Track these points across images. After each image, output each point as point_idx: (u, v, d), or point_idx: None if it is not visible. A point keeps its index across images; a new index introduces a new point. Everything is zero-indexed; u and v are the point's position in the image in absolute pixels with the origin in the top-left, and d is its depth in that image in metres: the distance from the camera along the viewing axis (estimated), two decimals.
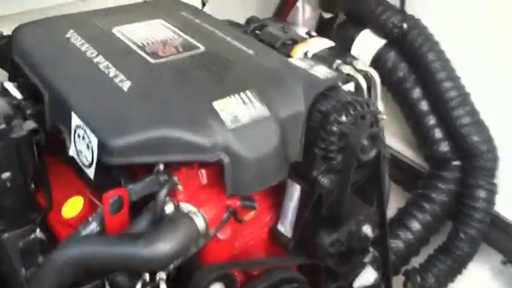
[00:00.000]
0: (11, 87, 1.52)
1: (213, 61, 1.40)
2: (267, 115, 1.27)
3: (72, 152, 1.34)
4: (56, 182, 1.52)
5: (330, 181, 1.36)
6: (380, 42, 2.07)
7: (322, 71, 1.39)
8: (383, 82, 1.59)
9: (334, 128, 1.31)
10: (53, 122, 1.39)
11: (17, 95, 1.49)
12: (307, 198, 1.40)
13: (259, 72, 1.37)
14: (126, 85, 1.30)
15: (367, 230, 1.46)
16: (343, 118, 1.31)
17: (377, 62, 2.07)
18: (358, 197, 1.48)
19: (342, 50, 1.65)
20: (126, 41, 1.48)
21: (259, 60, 1.43)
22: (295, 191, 1.42)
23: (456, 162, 1.99)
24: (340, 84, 1.41)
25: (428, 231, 2.01)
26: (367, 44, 2.10)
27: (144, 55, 1.42)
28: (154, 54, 1.42)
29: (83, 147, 1.28)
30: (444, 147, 2.00)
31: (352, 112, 1.32)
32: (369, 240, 1.48)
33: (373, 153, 1.36)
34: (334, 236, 1.42)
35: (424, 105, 2.02)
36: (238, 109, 1.26)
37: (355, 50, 2.12)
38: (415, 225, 2.00)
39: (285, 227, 1.47)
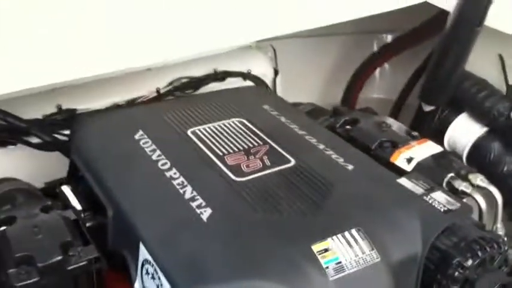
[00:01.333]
0: (69, 193, 1.33)
1: (308, 182, 1.17)
2: (378, 261, 1.04)
3: (138, 286, 1.13)
4: None
5: None
6: (481, 129, 1.82)
7: (441, 200, 1.14)
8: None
9: (457, 274, 1.07)
10: (116, 244, 1.19)
11: (76, 204, 1.30)
12: None
13: (365, 201, 1.14)
14: (205, 213, 1.09)
15: None
16: (469, 262, 1.07)
17: (476, 152, 1.82)
18: None
19: (452, 156, 1.41)
20: (203, 148, 1.27)
21: (362, 181, 1.20)
22: None
23: None
24: None
25: None
26: (464, 131, 1.85)
27: (225, 169, 1.21)
28: (236, 169, 1.21)
29: (152, 287, 1.07)
30: None
31: (479, 254, 1.07)
32: None
33: None
34: None
35: None
36: (342, 253, 1.02)
37: (449, 136, 1.87)
38: None
39: None
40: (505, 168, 1.79)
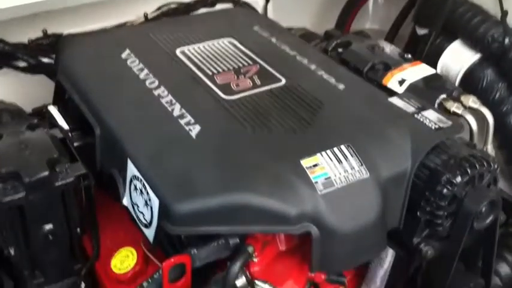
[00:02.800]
0: (56, 113, 1.31)
1: (298, 101, 1.16)
2: (366, 176, 1.03)
3: (126, 202, 1.13)
4: (105, 226, 1.30)
5: (433, 250, 1.12)
6: (474, 56, 1.80)
7: (432, 118, 1.13)
8: None
9: (445, 191, 1.06)
10: (104, 163, 1.18)
11: (63, 124, 1.28)
12: (402, 266, 1.16)
13: (356, 118, 1.13)
14: (194, 130, 1.07)
15: None
16: (458, 179, 1.06)
17: (468, 79, 1.80)
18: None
19: (444, 78, 1.39)
20: (192, 67, 1.25)
21: (353, 100, 1.18)
22: (387, 256, 1.18)
23: None
24: None
25: None
26: (457, 58, 1.82)
27: (214, 88, 1.19)
28: (226, 88, 1.18)
29: (140, 202, 1.07)
30: None
31: (469, 172, 1.07)
32: None
33: (489, 220, 1.11)
34: None
35: None
36: (331, 169, 1.02)
37: (442, 63, 1.85)
38: (504, 269, 1.74)
39: None
40: (497, 96, 1.78)
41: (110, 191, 1.23)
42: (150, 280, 1.10)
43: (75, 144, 1.26)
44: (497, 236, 1.17)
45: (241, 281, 1.04)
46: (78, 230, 1.24)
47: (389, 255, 1.18)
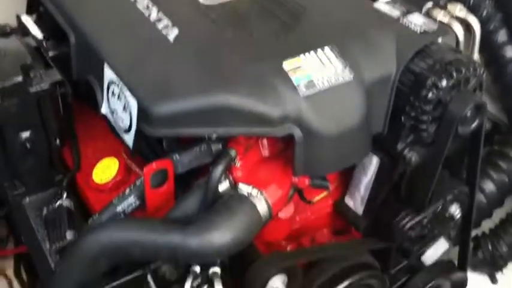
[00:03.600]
0: (29, 22, 1.27)
1: (280, 6, 1.12)
2: (350, 79, 1.01)
3: (104, 110, 1.10)
4: (86, 138, 1.29)
5: (417, 156, 1.11)
6: None
7: (417, 22, 1.10)
8: None
9: (431, 95, 1.05)
10: (80, 71, 1.15)
11: (37, 33, 1.24)
12: (386, 173, 1.16)
13: (340, 21, 1.09)
14: (172, 33, 1.04)
15: (455, 211, 1.22)
16: (443, 83, 1.04)
17: None
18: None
19: None
20: None
21: (336, 4, 1.15)
22: (371, 163, 1.17)
23: None
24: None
25: (503, 193, 1.77)
26: None
27: None
28: None
29: (119, 107, 1.04)
30: None
31: (454, 75, 1.05)
32: (454, 221, 1.25)
33: (474, 125, 1.10)
34: (416, 220, 1.18)
35: (509, 51, 1.72)
36: (314, 71, 0.99)
37: None
38: (489, 186, 1.75)
39: (355, 202, 1.24)
40: (485, 13, 1.74)
41: (88, 102, 1.20)
42: (132, 187, 1.09)
43: (50, 54, 1.22)
44: (482, 142, 1.16)
45: (224, 185, 1.03)
46: (58, 141, 1.23)
47: (374, 162, 1.17)
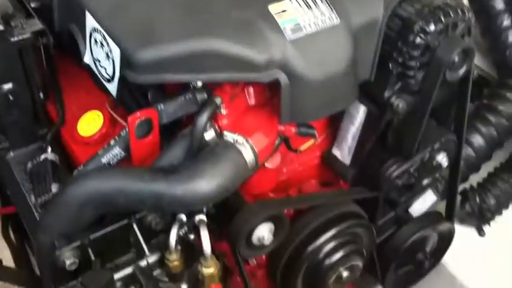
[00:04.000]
0: None
1: None
2: (337, 23, 0.99)
3: (87, 59, 1.09)
4: (70, 91, 1.27)
5: (405, 104, 1.10)
6: None
7: None
8: None
9: (418, 40, 1.03)
10: (62, 21, 1.13)
11: None
12: (373, 122, 1.15)
13: None
14: None
15: (442, 159, 1.22)
16: (431, 27, 1.03)
17: None
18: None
19: None
20: None
21: None
22: (359, 113, 1.17)
23: None
24: None
25: (492, 147, 1.76)
26: None
27: None
28: None
29: (101, 56, 1.02)
30: None
31: (442, 19, 1.04)
32: (441, 170, 1.25)
33: (462, 71, 1.09)
34: (404, 167, 1.18)
35: (498, 3, 1.70)
36: (300, 15, 0.98)
37: None
38: (478, 140, 1.75)
39: (342, 152, 1.24)
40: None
41: (72, 54, 1.18)
42: (117, 138, 1.08)
43: (32, 5, 1.19)
44: (470, 89, 1.15)
45: (209, 134, 1.02)
46: (41, 94, 1.21)
47: (361, 111, 1.16)
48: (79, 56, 1.11)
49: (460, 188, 1.77)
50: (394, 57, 1.06)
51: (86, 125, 1.21)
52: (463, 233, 1.68)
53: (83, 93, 1.27)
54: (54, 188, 1.14)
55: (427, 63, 1.06)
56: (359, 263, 1.22)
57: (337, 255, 1.18)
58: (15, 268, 1.38)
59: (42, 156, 1.19)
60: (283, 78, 0.96)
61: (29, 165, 1.19)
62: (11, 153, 1.22)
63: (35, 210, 1.15)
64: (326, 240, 1.16)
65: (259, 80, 0.96)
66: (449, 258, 1.58)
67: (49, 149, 1.20)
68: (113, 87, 1.02)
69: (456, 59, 1.06)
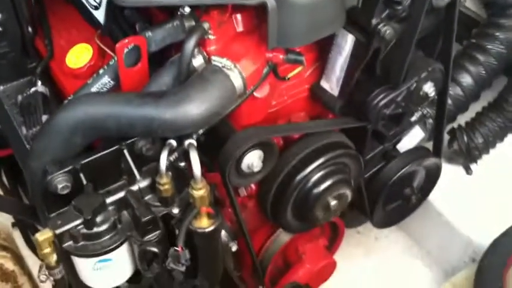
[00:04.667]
0: None
1: None
2: None
3: None
4: (58, 26, 1.27)
5: (392, 31, 1.11)
6: None
7: None
8: None
9: None
10: None
11: None
12: (361, 51, 1.15)
13: None
14: None
15: (429, 88, 1.23)
16: None
17: None
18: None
19: None
20: None
21: None
22: (346, 42, 1.17)
23: None
24: None
25: (480, 86, 1.77)
26: None
27: None
28: None
29: None
30: None
31: None
32: (428, 99, 1.26)
33: None
34: (391, 96, 1.19)
35: None
36: None
37: None
38: (466, 79, 1.75)
39: (331, 84, 1.24)
40: None
41: None
42: (106, 67, 1.08)
43: None
44: (456, 15, 1.16)
45: (198, 60, 1.02)
46: (30, 28, 1.21)
47: (349, 41, 1.16)
48: None
49: (448, 127, 1.79)
50: None
51: (74, 58, 1.21)
52: (450, 171, 1.70)
53: (71, 27, 1.27)
54: (45, 119, 1.14)
55: None
56: (347, 191, 1.24)
57: (325, 184, 1.20)
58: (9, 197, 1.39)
59: (32, 89, 1.19)
60: (270, 1, 0.96)
61: (19, 98, 1.20)
62: (1, 87, 1.22)
63: (26, 142, 1.16)
64: (314, 169, 1.18)
65: (247, 2, 0.96)
66: (436, 196, 1.60)
67: (39, 82, 1.20)
68: (100, 15, 1.03)
69: None
